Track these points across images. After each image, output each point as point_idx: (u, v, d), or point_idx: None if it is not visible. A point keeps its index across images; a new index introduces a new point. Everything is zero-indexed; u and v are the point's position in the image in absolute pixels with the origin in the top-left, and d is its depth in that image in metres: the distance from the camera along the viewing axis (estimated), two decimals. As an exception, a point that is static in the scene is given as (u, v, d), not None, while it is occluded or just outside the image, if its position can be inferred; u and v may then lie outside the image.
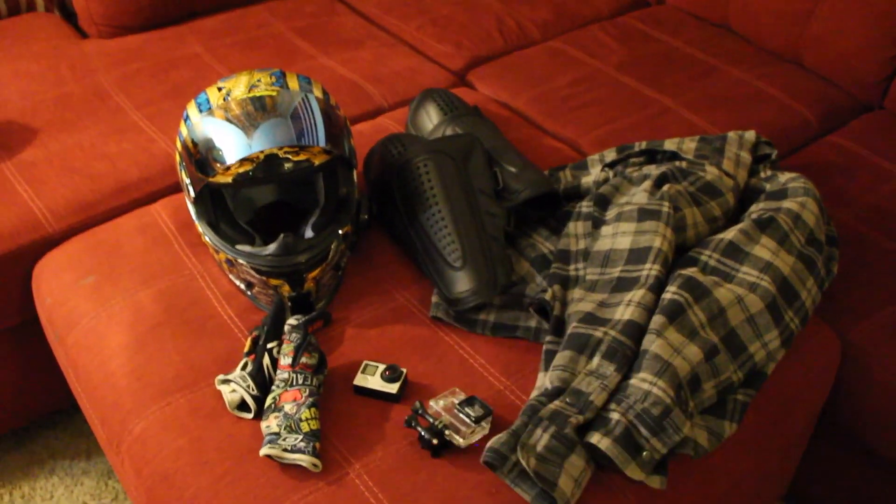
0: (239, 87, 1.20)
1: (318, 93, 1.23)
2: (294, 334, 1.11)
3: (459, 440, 1.03)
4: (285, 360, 1.09)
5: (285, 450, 1.01)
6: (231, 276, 1.25)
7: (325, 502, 0.99)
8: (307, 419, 1.04)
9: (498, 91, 1.82)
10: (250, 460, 1.04)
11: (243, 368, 1.11)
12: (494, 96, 1.81)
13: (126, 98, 1.72)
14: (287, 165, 1.17)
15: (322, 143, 1.17)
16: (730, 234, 1.22)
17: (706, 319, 1.12)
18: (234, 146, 1.14)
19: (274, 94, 1.18)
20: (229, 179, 1.16)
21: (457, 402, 1.07)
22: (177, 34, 1.96)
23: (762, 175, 1.40)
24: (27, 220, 1.43)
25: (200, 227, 1.24)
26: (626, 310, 1.12)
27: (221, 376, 1.11)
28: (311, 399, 1.06)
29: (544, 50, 1.94)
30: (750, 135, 1.45)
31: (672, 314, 1.10)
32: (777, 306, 1.16)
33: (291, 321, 1.14)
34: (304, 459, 1.01)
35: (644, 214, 1.23)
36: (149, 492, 1.07)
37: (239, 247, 1.19)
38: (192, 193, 1.21)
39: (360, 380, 1.12)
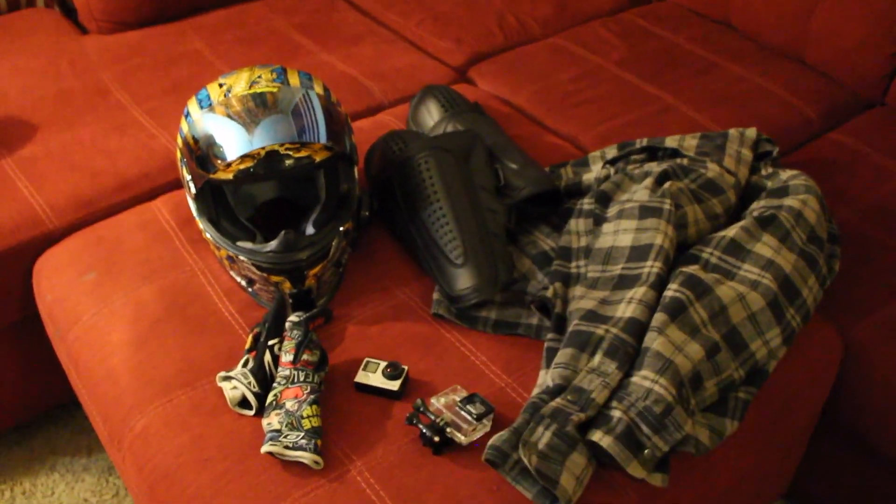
0: (240, 83, 1.19)
1: (318, 89, 1.23)
2: (295, 331, 1.11)
3: (461, 438, 1.03)
4: (286, 357, 1.09)
5: (287, 447, 1.01)
6: (232, 273, 1.25)
7: (326, 500, 0.99)
8: (308, 416, 1.04)
9: (499, 87, 1.82)
10: (252, 457, 1.04)
11: (244, 365, 1.11)
12: (495, 93, 1.81)
13: (126, 94, 1.72)
14: (288, 162, 1.16)
15: (323, 139, 1.17)
16: (731, 231, 1.22)
17: (707, 317, 1.12)
18: (235, 142, 1.14)
19: (275, 90, 1.18)
20: (230, 176, 1.16)
21: (458, 399, 1.07)
22: (177, 30, 1.96)
23: (763, 172, 1.39)
24: (28, 216, 1.43)
25: (201, 224, 1.24)
26: (627, 307, 1.12)
27: (223, 373, 1.11)
28: (312, 396, 1.06)
29: (545, 46, 1.93)
30: (751, 132, 1.45)
31: (673, 312, 1.10)
32: (778, 304, 1.16)
33: (293, 318, 1.14)
34: (305, 457, 1.01)
35: (645, 212, 1.23)
36: (150, 488, 1.07)
37: (240, 243, 1.19)
38: (193, 190, 1.21)
39: (362, 377, 1.11)
